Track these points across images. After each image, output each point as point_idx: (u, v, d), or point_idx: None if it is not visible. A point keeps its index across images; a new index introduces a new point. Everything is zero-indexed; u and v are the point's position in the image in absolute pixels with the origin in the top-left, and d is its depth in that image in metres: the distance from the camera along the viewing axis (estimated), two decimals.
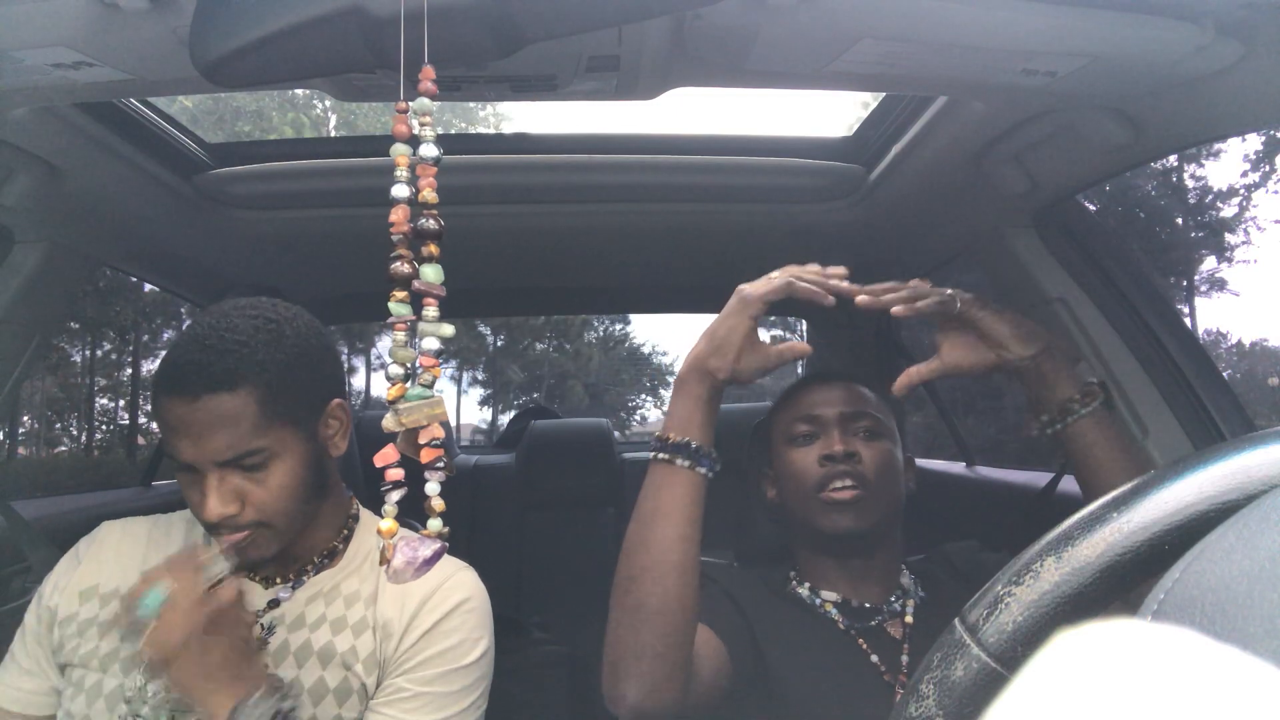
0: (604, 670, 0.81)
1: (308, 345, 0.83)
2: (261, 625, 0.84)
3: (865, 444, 0.99)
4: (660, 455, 0.83)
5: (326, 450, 0.86)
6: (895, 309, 0.85)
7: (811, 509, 0.98)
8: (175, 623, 0.71)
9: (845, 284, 0.85)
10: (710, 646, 0.88)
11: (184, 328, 0.81)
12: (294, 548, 0.86)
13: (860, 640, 0.97)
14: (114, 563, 0.88)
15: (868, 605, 1.00)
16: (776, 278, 0.85)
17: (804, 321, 2.44)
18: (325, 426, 0.85)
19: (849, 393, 1.02)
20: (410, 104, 0.56)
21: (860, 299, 0.84)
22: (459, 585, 0.87)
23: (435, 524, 0.58)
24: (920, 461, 2.11)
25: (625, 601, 0.81)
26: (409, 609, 0.85)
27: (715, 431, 0.85)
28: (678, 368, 0.88)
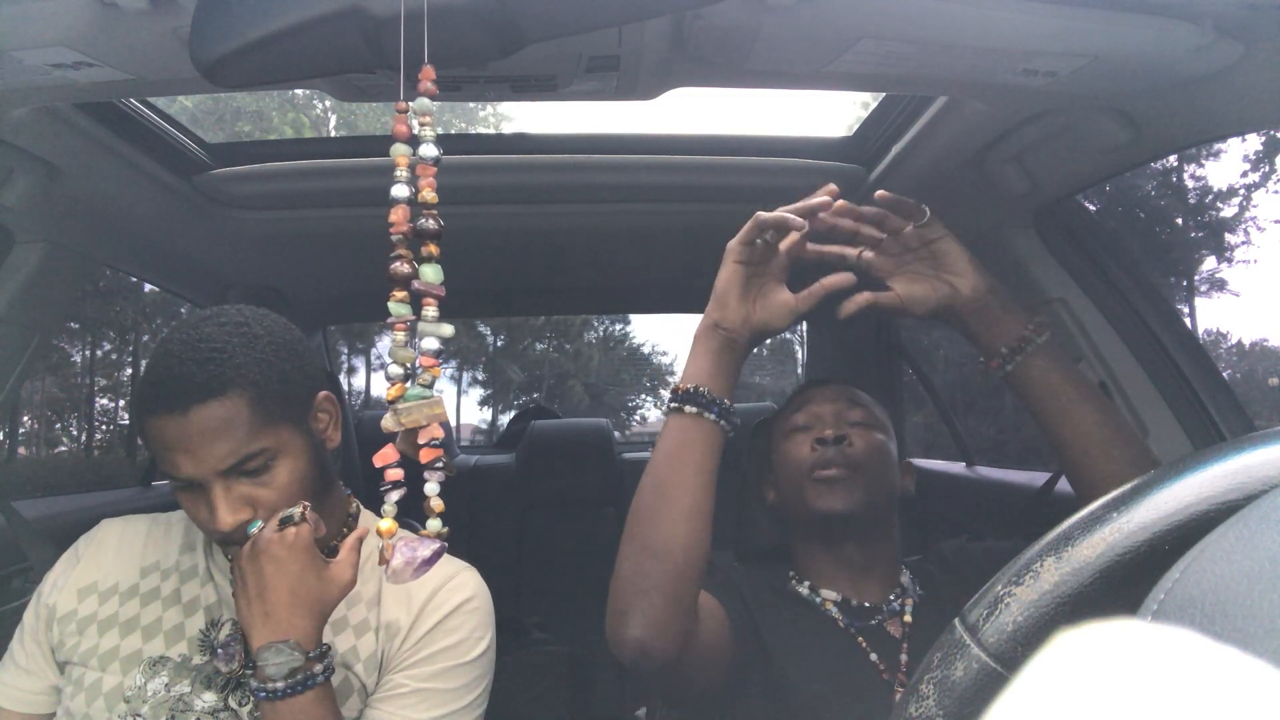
0: (608, 612, 0.81)
1: (283, 341, 0.82)
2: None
3: (857, 433, 1.02)
4: (671, 404, 0.84)
5: (323, 444, 0.86)
6: (876, 195, 0.87)
7: (804, 491, 1.01)
8: (246, 549, 0.75)
9: (821, 199, 0.85)
10: (711, 606, 0.89)
11: (155, 347, 0.80)
12: None
13: (860, 639, 0.97)
14: (114, 560, 0.88)
15: (867, 604, 1.00)
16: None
17: (804, 323, 2.43)
18: (316, 420, 0.85)
19: (844, 392, 1.07)
20: (410, 104, 0.56)
21: (837, 204, 0.84)
22: (462, 585, 0.87)
23: (435, 524, 0.58)
24: (920, 461, 2.12)
25: (633, 541, 0.81)
26: (414, 608, 0.85)
27: None
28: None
